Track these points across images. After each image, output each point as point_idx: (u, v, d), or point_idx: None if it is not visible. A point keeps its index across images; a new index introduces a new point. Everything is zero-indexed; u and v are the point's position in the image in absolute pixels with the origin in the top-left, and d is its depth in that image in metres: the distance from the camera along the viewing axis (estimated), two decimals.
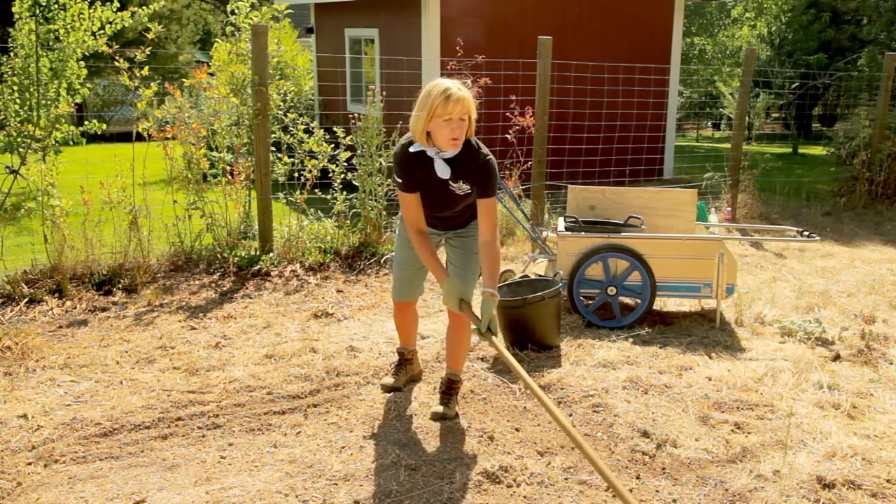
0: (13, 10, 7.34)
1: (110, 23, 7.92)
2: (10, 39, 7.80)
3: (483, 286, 3.42)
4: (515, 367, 3.16)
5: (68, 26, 7.79)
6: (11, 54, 7.61)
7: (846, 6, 15.62)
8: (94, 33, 7.93)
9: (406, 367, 4.15)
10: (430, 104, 3.30)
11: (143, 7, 8.34)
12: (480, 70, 7.72)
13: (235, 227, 6.23)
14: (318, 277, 5.98)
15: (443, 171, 3.44)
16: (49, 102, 7.68)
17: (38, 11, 7.72)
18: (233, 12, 7.13)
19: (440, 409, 3.78)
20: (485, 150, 3.49)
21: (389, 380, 4.10)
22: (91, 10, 7.71)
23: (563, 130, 9.50)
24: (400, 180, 3.50)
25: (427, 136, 3.40)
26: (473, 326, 3.42)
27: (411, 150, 3.45)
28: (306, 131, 6.39)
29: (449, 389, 3.84)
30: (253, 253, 6.15)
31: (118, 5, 7.86)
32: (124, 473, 3.28)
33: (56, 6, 7.75)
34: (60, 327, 4.96)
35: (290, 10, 10.04)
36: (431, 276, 3.79)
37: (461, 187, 3.49)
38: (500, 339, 3.36)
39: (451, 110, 3.28)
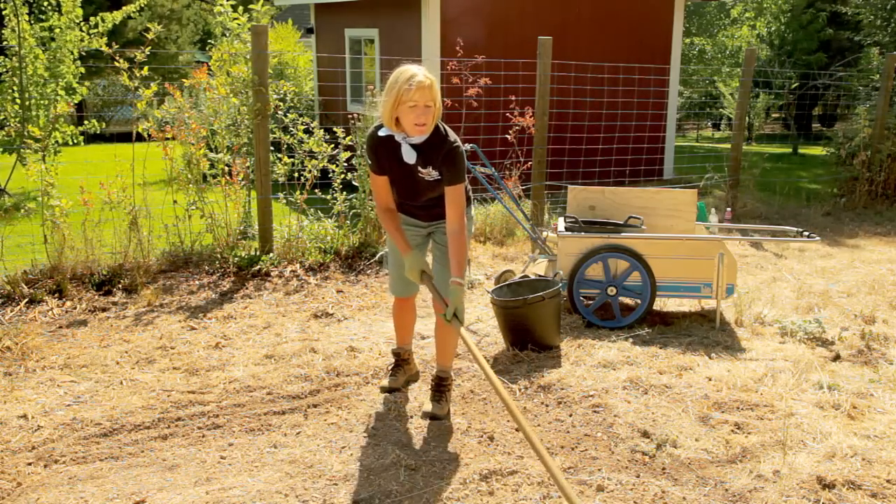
0: (3, 12, 7.33)
1: (103, 21, 7.92)
2: (3, 41, 7.79)
3: (451, 276, 3.47)
4: (474, 351, 3.26)
5: (63, 25, 7.78)
6: (9, 53, 7.60)
7: (845, 6, 15.63)
8: (88, 32, 7.92)
9: (403, 368, 4.15)
10: (396, 91, 3.34)
11: (136, 3, 8.35)
12: (480, 70, 7.73)
13: (235, 228, 6.23)
14: (318, 277, 5.98)
15: (409, 155, 3.48)
16: (48, 102, 7.67)
17: (30, 10, 7.71)
18: (220, 13, 7.12)
19: (430, 407, 3.80)
20: (452, 136, 3.52)
21: (388, 381, 4.11)
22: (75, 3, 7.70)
23: (563, 130, 9.50)
24: (370, 162, 3.59)
25: (396, 122, 3.43)
26: (441, 313, 3.48)
27: (380, 133, 3.51)
28: (306, 131, 6.39)
29: (439, 387, 3.85)
30: (253, 253, 6.15)
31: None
32: (124, 473, 3.28)
33: (49, 7, 7.75)
34: (60, 327, 4.96)
35: (271, 9, 9.98)
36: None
37: (430, 173, 3.52)
38: (463, 328, 3.45)
39: (415, 97, 3.31)
